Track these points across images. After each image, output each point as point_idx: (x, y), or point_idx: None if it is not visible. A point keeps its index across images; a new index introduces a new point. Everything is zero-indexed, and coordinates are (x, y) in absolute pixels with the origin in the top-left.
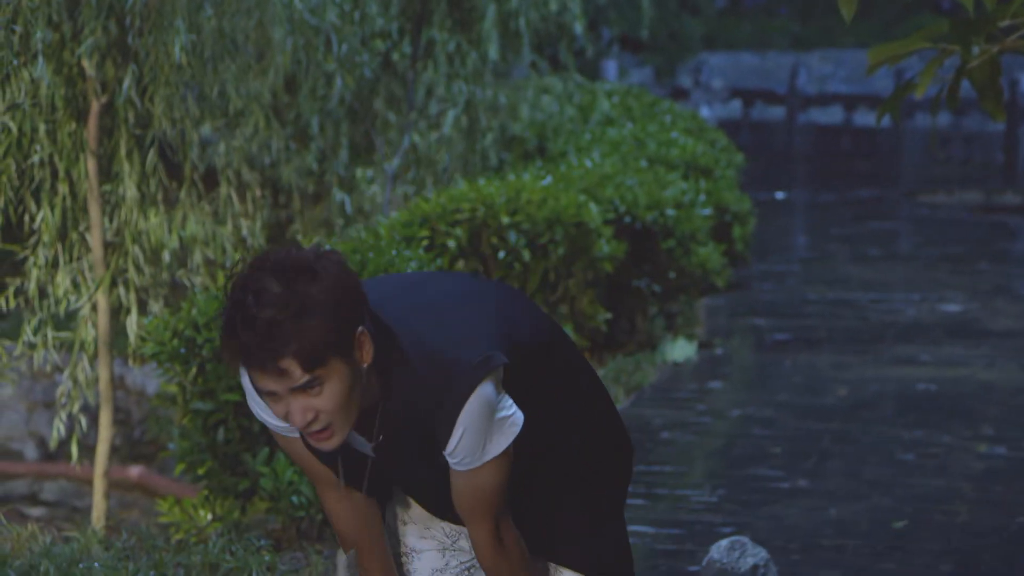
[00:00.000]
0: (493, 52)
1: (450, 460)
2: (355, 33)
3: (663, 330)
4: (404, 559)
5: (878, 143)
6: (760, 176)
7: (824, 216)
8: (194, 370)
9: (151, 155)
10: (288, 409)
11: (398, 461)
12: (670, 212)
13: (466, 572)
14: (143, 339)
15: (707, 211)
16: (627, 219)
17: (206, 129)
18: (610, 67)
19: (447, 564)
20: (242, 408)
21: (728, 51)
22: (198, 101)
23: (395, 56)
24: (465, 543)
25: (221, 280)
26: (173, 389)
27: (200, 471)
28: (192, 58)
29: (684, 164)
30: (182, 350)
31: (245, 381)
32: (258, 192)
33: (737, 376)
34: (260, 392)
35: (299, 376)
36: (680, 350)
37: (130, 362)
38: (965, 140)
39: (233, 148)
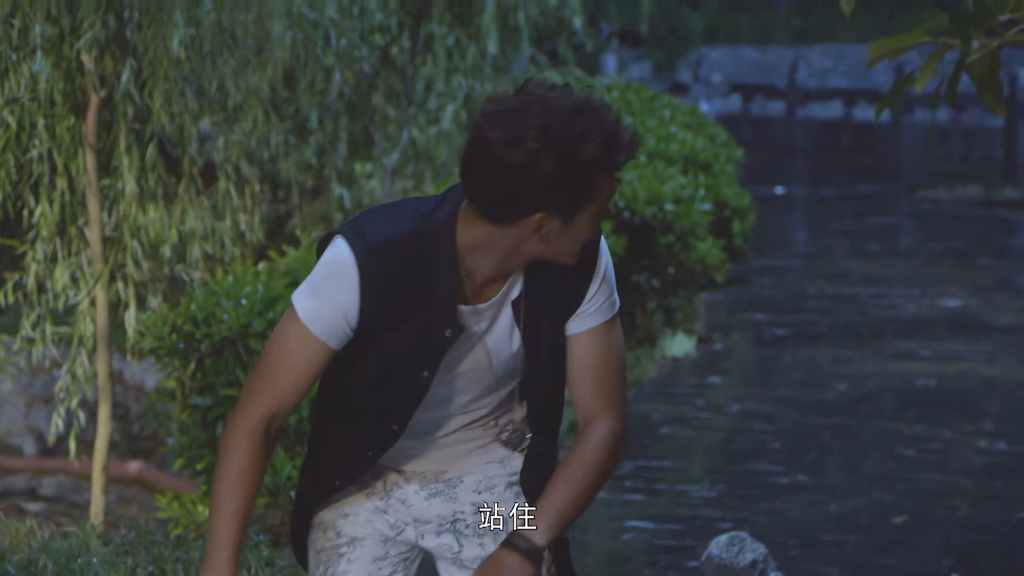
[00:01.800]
0: (492, 46)
1: (593, 309)
2: (354, 27)
3: (662, 325)
4: (339, 550)
5: (878, 138)
6: (760, 171)
7: (824, 211)
8: (193, 365)
9: (150, 150)
10: (607, 209)
11: (505, 333)
12: (669, 207)
13: (403, 563)
14: (142, 334)
15: (706, 206)
16: (626, 214)
17: (205, 124)
18: (609, 61)
19: (387, 553)
20: None
21: (728, 45)
22: (197, 95)
23: (394, 50)
24: (411, 533)
25: (220, 274)
26: (172, 384)
27: (199, 466)
28: (191, 52)
29: (683, 159)
30: (181, 345)
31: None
32: (257, 187)
33: (736, 371)
34: (602, 201)
35: None
36: (679, 345)
37: (129, 357)
38: (964, 135)
39: (232, 143)
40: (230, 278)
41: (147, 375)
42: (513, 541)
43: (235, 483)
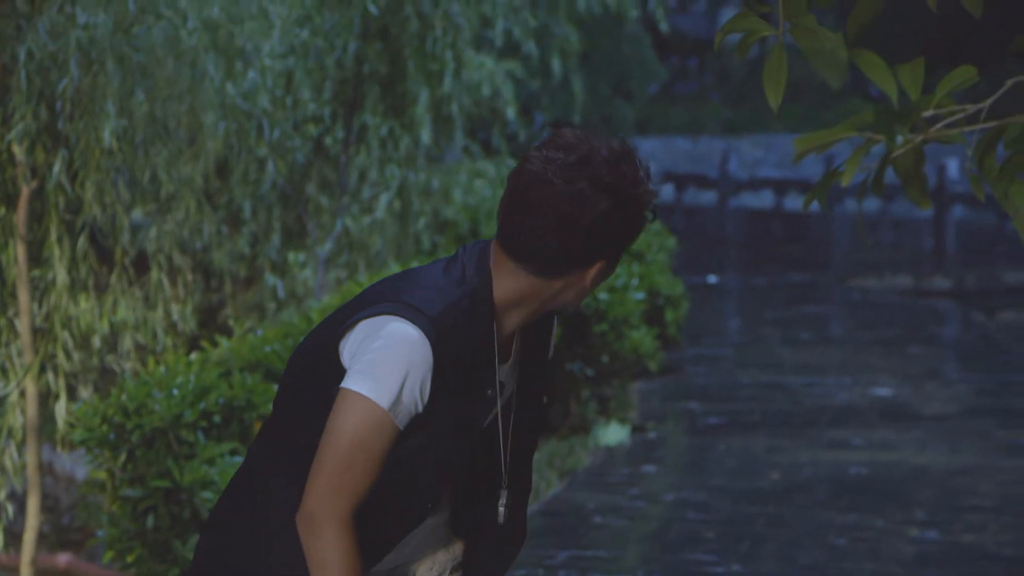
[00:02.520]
0: (426, 136)
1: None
2: (287, 118)
3: (596, 414)
4: None
5: (809, 228)
6: (692, 260)
7: (756, 300)
8: (123, 456)
9: (81, 240)
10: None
11: (512, 392)
12: (603, 296)
13: None
14: (72, 425)
15: (640, 295)
16: None
17: (137, 214)
18: None
19: None
20: (172, 494)
21: (660, 136)
22: (129, 186)
23: (328, 140)
24: None
25: (152, 365)
26: (102, 475)
27: (129, 558)
28: (123, 143)
29: None
30: (111, 436)
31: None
32: (189, 276)
33: (671, 460)
34: (627, 249)
35: None
36: (613, 434)
37: (59, 448)
38: (894, 225)
39: (164, 232)
40: (162, 368)
41: (77, 466)
42: None
43: (350, 565)
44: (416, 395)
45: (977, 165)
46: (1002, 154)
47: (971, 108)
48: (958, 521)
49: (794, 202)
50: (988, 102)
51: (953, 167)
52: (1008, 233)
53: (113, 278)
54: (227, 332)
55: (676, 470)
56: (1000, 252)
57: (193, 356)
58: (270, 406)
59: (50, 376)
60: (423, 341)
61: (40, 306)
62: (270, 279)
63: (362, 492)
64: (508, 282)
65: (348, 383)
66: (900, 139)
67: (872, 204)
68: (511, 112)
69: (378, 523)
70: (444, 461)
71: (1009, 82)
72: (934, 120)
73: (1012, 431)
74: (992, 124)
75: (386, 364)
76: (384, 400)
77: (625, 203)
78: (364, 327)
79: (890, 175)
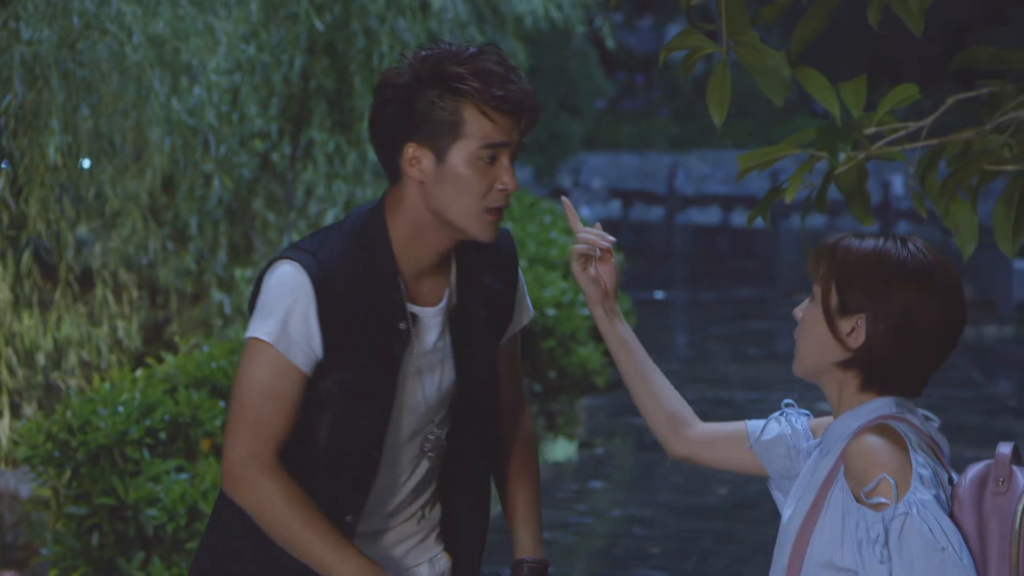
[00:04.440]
0: (373, 152)
1: (515, 323)
2: (234, 134)
3: (544, 430)
4: None
5: (756, 243)
6: (640, 276)
7: (703, 315)
8: (68, 474)
9: (25, 256)
10: (503, 170)
11: (448, 342)
12: (550, 312)
13: None
14: (16, 443)
15: (587, 311)
16: None
17: (82, 230)
18: None
19: None
20: (117, 512)
21: (608, 151)
22: (74, 202)
23: (274, 156)
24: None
25: (97, 381)
26: (46, 493)
27: None
28: (68, 159)
29: (564, 264)
30: (56, 453)
31: (290, 321)
32: (135, 293)
33: (618, 476)
34: (490, 145)
35: (520, 137)
36: (561, 450)
37: (3, 465)
38: None
39: (110, 249)
40: (107, 385)
41: (21, 484)
42: (520, 565)
43: (295, 503)
44: (303, 329)
45: (919, 182)
46: (943, 171)
47: (913, 125)
48: None
49: (741, 218)
50: (930, 120)
51: (898, 184)
52: (952, 249)
53: (57, 294)
54: (173, 349)
55: (623, 486)
56: None
57: (138, 373)
58: (216, 423)
59: None
60: (299, 274)
61: None
62: (216, 295)
63: (276, 435)
64: (393, 204)
65: (248, 331)
66: (842, 156)
67: (819, 220)
68: None
69: (322, 483)
70: (372, 402)
71: (950, 99)
72: (876, 137)
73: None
74: (934, 142)
75: (267, 303)
76: (270, 336)
77: (426, 78)
78: (261, 282)
79: (835, 191)
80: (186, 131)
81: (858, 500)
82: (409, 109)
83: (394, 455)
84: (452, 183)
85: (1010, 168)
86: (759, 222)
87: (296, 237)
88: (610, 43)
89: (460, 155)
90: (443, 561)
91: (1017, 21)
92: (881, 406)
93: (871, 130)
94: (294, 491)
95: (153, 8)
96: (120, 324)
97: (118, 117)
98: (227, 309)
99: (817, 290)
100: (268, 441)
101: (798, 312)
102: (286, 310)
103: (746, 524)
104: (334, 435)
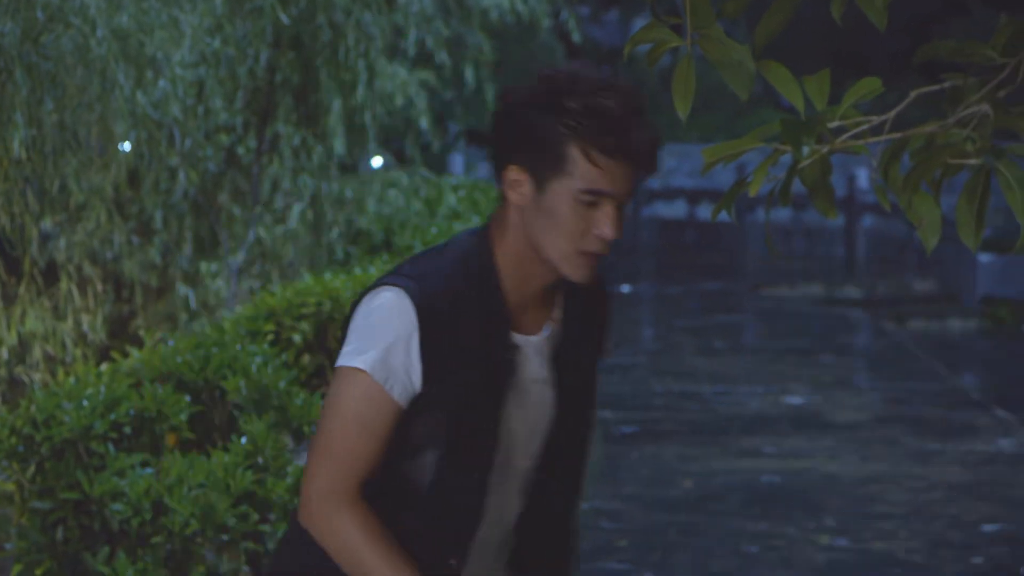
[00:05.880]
0: (339, 146)
1: (602, 357)
2: (199, 127)
3: None
4: None
5: (722, 236)
6: (606, 269)
7: (669, 309)
8: (32, 468)
9: None
10: (605, 217)
11: (549, 372)
12: None
13: None
14: None
15: None
16: None
17: (47, 223)
18: (457, 161)
19: None
20: (82, 506)
21: None
22: (38, 195)
23: (240, 150)
24: None
25: (62, 375)
26: (10, 487)
27: (38, 572)
28: (32, 152)
29: None
30: (20, 448)
31: (394, 352)
32: (100, 287)
33: None
34: (593, 192)
35: (632, 188)
36: None
37: None
38: (807, 234)
39: (74, 243)
40: (71, 379)
41: None
42: None
43: (372, 537)
44: (404, 360)
45: (882, 175)
46: (907, 164)
47: (876, 119)
48: (868, 528)
49: (707, 211)
50: (893, 113)
51: (863, 177)
52: (916, 243)
53: (22, 288)
54: (138, 343)
55: (590, 479)
56: (909, 261)
57: (103, 367)
58: (181, 417)
59: None
60: (403, 302)
61: None
62: (182, 289)
63: (362, 469)
64: (497, 228)
65: (337, 361)
66: (806, 150)
67: (784, 213)
68: (424, 122)
69: (426, 525)
70: (477, 435)
71: (913, 93)
72: (840, 131)
73: (921, 439)
74: (897, 135)
75: (367, 331)
76: (367, 364)
77: (543, 104)
78: (359, 307)
79: (800, 184)
80: (151, 124)
81: None
82: (516, 130)
83: (496, 492)
84: (548, 217)
85: (973, 162)
86: (724, 215)
87: (262, 231)
88: (576, 36)
89: (560, 191)
90: None
91: (980, 13)
92: None
93: (835, 124)
94: (372, 526)
95: (117, 1)
96: (85, 318)
97: (83, 110)
98: (193, 303)
99: None
100: (353, 474)
101: None
102: (389, 339)
103: (711, 516)
104: (439, 472)
